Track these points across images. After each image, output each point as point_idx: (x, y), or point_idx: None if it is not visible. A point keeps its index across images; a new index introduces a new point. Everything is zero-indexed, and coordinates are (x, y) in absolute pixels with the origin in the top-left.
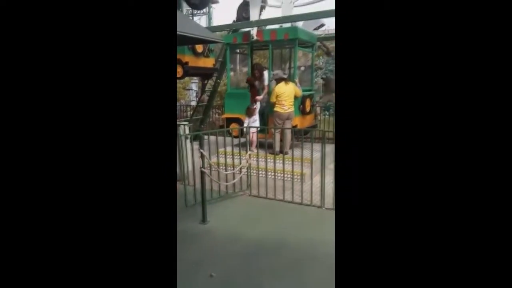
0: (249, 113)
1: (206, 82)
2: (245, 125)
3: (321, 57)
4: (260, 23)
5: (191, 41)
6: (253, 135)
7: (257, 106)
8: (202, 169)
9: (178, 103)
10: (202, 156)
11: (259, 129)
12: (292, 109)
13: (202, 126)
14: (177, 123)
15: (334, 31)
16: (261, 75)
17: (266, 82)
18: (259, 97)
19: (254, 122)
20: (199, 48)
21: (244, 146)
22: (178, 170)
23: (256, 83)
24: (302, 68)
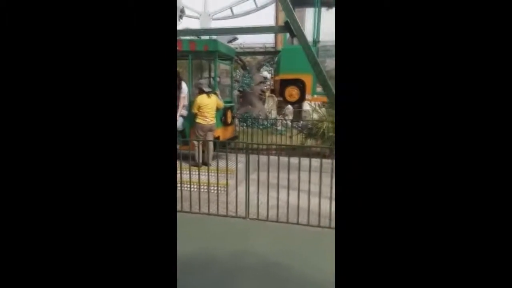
0: None
1: None
2: None
3: (237, 70)
4: (181, 33)
5: None
6: None
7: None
8: None
9: None
10: None
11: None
12: (214, 121)
13: None
14: None
15: (248, 46)
16: (181, 82)
17: (183, 94)
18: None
19: None
20: None
21: None
22: None
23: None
24: (217, 79)
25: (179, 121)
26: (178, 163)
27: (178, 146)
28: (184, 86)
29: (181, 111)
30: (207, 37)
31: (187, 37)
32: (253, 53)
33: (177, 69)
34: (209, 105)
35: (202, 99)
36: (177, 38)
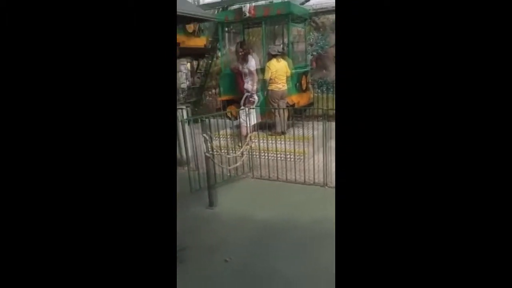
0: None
1: (198, 63)
2: (242, 110)
3: (311, 33)
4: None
5: (183, 20)
6: (244, 129)
7: (253, 96)
8: (207, 154)
9: None
10: (205, 140)
11: (251, 123)
12: (285, 87)
13: (196, 109)
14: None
15: (322, 6)
16: (246, 55)
17: (252, 68)
18: (250, 99)
19: (249, 114)
20: (190, 28)
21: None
22: (179, 155)
23: (240, 67)
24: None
25: (254, 97)
26: (255, 132)
27: (244, 126)
28: (251, 59)
29: (253, 87)
30: (279, 1)
31: (260, 3)
32: (327, 12)
33: (246, 39)
34: (279, 70)
35: (272, 64)
36: (250, 4)
